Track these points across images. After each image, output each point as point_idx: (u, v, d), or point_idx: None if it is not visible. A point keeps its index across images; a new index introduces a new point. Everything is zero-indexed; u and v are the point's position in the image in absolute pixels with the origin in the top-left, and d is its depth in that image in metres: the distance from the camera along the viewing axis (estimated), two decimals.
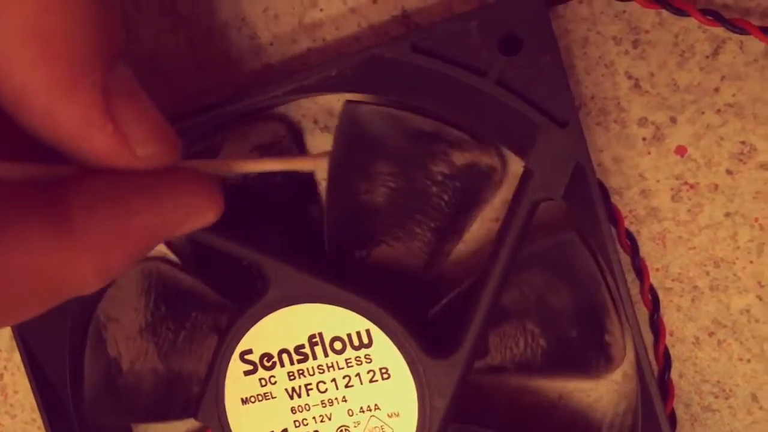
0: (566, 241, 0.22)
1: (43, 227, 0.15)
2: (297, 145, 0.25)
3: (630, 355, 0.23)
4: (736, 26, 0.21)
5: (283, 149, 0.25)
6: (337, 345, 0.22)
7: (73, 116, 0.16)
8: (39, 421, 0.28)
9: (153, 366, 0.26)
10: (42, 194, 0.15)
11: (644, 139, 0.24)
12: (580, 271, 0.22)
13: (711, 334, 0.24)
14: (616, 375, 0.25)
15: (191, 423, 0.28)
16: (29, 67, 0.15)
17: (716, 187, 0.23)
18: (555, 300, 0.23)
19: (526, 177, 0.21)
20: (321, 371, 0.22)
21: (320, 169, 0.25)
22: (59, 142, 0.16)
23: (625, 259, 0.23)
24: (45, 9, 0.14)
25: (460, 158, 0.23)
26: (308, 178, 0.26)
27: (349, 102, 0.23)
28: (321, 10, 0.25)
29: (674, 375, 0.24)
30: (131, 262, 0.17)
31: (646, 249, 0.24)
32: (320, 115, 0.25)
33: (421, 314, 0.24)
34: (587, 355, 0.23)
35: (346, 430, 0.22)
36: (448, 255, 0.24)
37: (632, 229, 0.24)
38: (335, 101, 0.25)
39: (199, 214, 0.18)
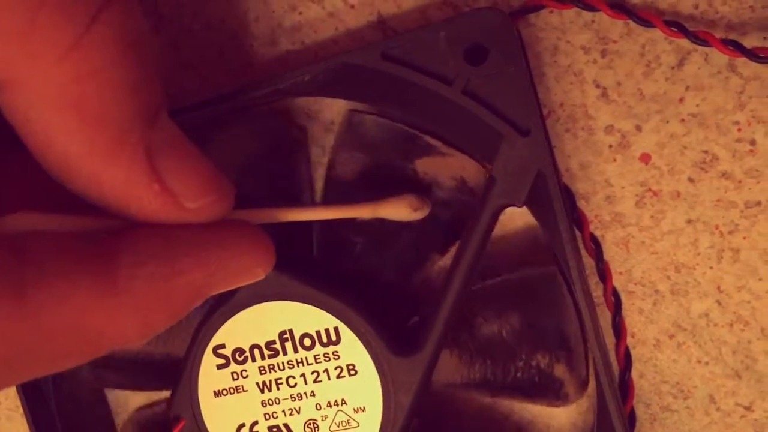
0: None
1: (89, 285, 0.15)
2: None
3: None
4: (699, 38, 0.22)
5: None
6: (307, 341, 0.23)
7: (117, 180, 0.15)
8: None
9: None
10: (89, 249, 0.15)
11: (610, 146, 0.24)
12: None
13: (671, 337, 0.25)
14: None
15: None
16: (67, 135, 0.15)
17: (679, 194, 0.24)
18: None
19: (489, 184, 0.21)
20: (291, 366, 0.23)
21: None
22: (107, 204, 0.16)
23: (590, 262, 0.24)
24: (76, 78, 0.14)
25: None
26: None
27: None
28: (300, 13, 0.25)
29: (635, 375, 0.25)
30: (175, 318, 0.17)
31: (610, 253, 0.25)
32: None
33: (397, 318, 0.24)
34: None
35: (314, 423, 0.23)
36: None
37: (597, 233, 0.25)
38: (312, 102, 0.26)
39: (248, 271, 0.18)
